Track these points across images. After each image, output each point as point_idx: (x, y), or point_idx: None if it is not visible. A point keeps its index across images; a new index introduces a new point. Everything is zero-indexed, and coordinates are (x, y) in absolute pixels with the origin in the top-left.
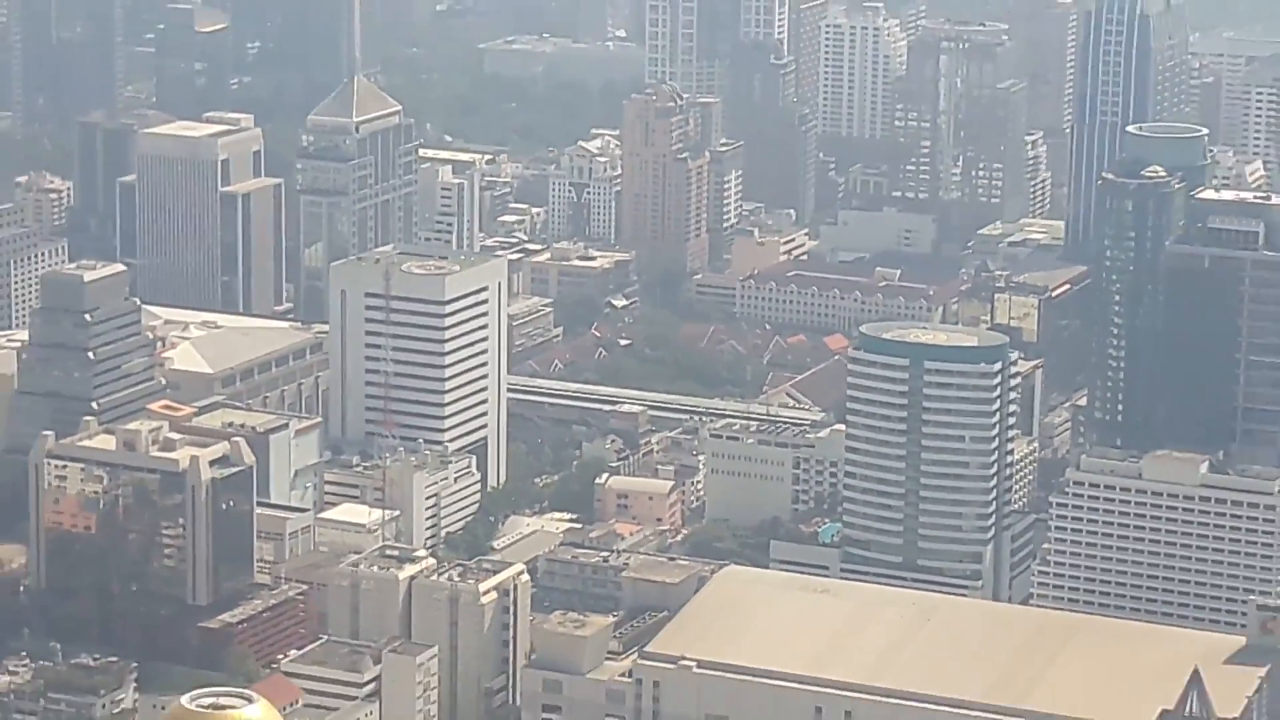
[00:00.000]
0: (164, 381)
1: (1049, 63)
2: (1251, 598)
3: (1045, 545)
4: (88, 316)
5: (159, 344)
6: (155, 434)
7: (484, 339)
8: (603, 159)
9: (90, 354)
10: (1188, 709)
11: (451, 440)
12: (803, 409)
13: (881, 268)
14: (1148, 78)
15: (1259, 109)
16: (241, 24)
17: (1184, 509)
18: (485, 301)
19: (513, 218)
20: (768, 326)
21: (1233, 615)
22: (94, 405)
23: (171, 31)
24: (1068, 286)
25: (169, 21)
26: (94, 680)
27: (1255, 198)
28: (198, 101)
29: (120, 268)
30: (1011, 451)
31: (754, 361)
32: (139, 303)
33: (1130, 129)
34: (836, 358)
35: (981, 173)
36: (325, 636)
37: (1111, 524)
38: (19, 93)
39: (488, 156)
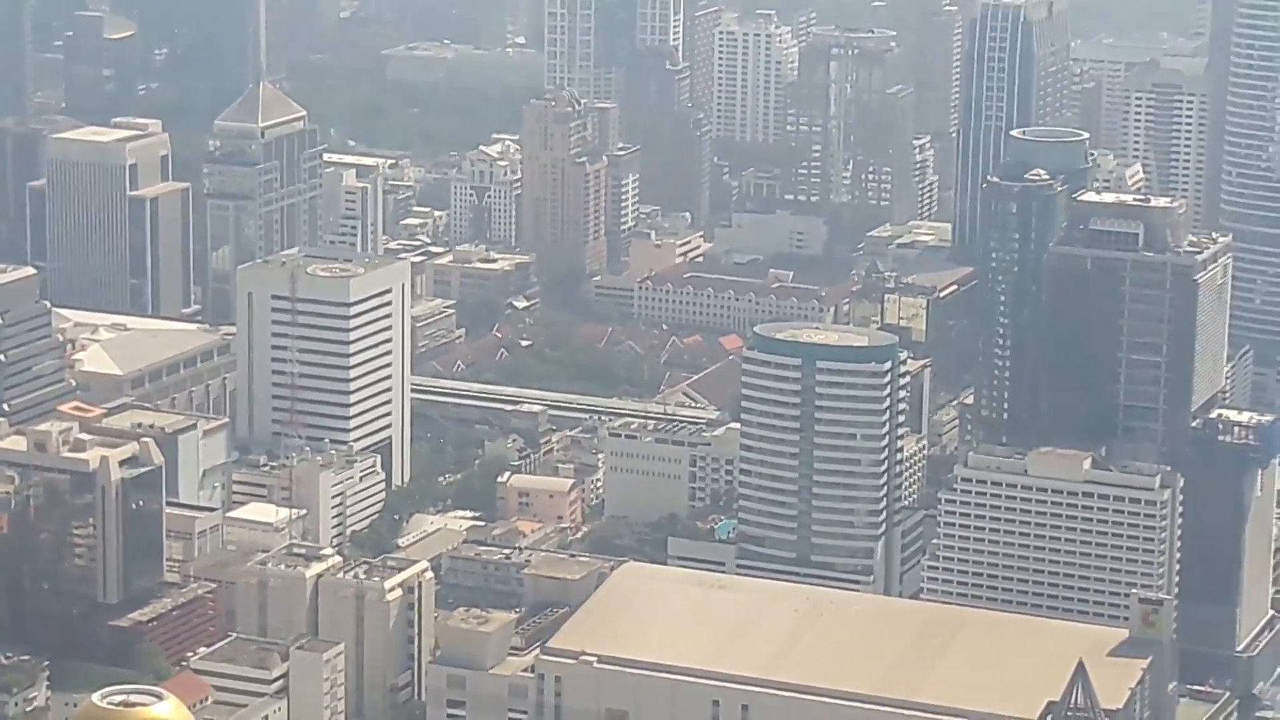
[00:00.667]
0: (74, 383)
1: (935, 69)
2: (1134, 591)
3: (935, 540)
4: None
5: (69, 346)
6: (65, 435)
7: (388, 340)
8: (503, 163)
9: (1, 356)
10: (1073, 700)
11: (356, 440)
12: (699, 408)
13: (775, 269)
14: (1030, 83)
15: (1138, 114)
16: (149, 31)
17: (1068, 504)
18: (389, 303)
19: (415, 221)
20: (665, 327)
21: (1116, 608)
22: (4, 407)
23: (80, 38)
24: (955, 287)
25: (78, 28)
26: (6, 679)
27: (1135, 200)
28: (106, 107)
29: (30, 271)
30: (901, 449)
31: (651, 361)
32: (49, 306)
33: (1014, 133)
34: (731, 357)
35: (871, 176)
36: (234, 634)
37: (998, 519)
38: None
39: (390, 161)
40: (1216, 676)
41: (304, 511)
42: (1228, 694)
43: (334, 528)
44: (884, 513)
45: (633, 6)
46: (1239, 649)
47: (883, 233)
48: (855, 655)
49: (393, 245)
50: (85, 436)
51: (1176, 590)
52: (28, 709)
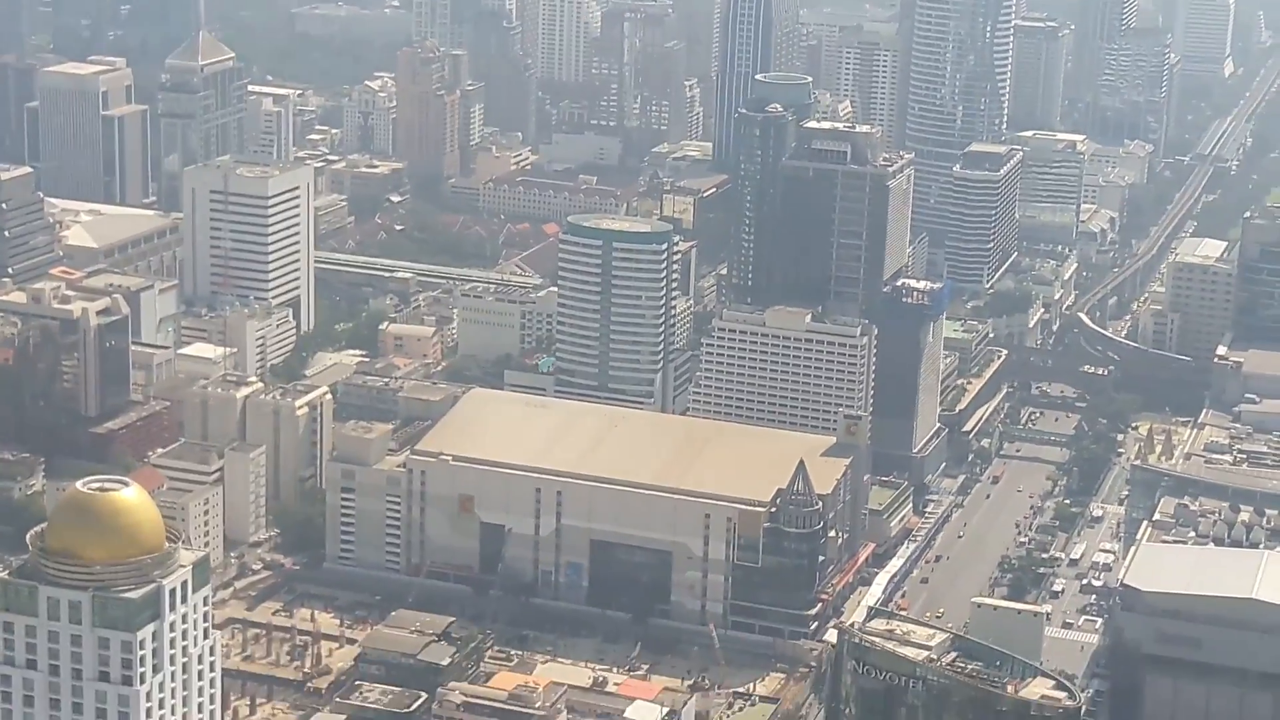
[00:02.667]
0: (61, 253)
1: (701, 29)
2: (840, 409)
3: (698, 373)
4: (3, 205)
5: (57, 226)
6: (56, 291)
7: (297, 224)
8: (383, 94)
9: (6, 233)
10: (795, 488)
11: (274, 297)
12: (527, 276)
13: (583, 175)
14: (770, 41)
15: (848, 63)
16: None
17: (794, 347)
18: (297, 197)
19: (317, 136)
20: (502, 217)
21: (827, 422)
22: (9, 270)
23: None
24: (714, 189)
25: None
26: (12, 470)
27: (844, 127)
28: (84, 48)
29: (28, 170)
30: (674, 307)
31: (492, 242)
32: (42, 196)
33: (758, 77)
34: (551, 240)
35: (653, 107)
36: (183, 439)
37: (744, 358)
38: None
39: (298, 91)
40: (899, 470)
41: (235, 350)
42: (906, 482)
43: (257, 362)
44: (661, 352)
45: None
46: (915, 450)
47: (662, 149)
48: (639, 455)
49: (300, 154)
50: (70, 293)
51: (871, 409)
52: (28, 493)
